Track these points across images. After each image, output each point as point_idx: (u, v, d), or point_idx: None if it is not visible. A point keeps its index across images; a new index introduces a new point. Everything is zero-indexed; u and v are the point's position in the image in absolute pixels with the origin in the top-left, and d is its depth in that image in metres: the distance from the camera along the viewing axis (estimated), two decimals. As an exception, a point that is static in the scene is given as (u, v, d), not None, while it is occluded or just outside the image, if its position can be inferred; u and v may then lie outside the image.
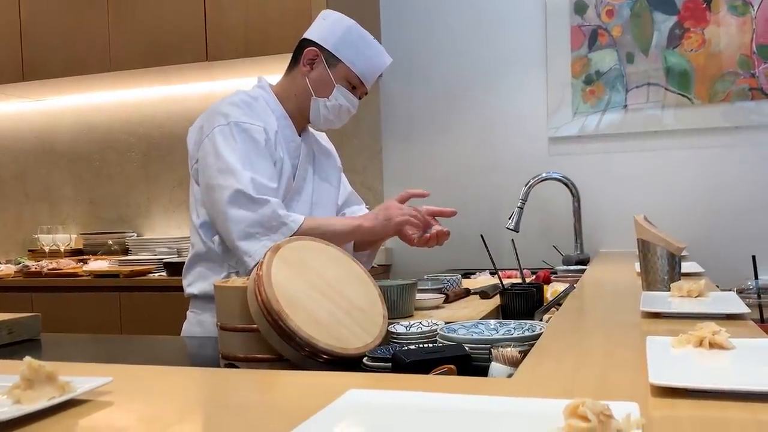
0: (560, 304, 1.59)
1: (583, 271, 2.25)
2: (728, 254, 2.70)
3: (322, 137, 2.03)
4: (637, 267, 2.14)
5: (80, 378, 0.82)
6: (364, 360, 1.19)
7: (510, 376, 0.96)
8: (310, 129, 1.96)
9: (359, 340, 1.24)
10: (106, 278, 3.12)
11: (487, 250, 1.61)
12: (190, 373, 0.96)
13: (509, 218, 2.62)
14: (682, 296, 1.39)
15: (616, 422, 0.60)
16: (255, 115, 1.72)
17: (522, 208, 2.61)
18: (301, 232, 1.61)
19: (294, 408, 0.77)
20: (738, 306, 1.26)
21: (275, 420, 0.72)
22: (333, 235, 1.64)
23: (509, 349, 1.05)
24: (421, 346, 1.18)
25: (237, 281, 1.33)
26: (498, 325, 1.30)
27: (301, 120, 1.84)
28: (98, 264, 3.28)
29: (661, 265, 1.55)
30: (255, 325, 1.21)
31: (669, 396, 0.74)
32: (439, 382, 0.89)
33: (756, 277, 1.51)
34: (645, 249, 1.57)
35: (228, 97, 1.76)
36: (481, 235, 1.68)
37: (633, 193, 2.93)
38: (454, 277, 1.82)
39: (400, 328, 1.35)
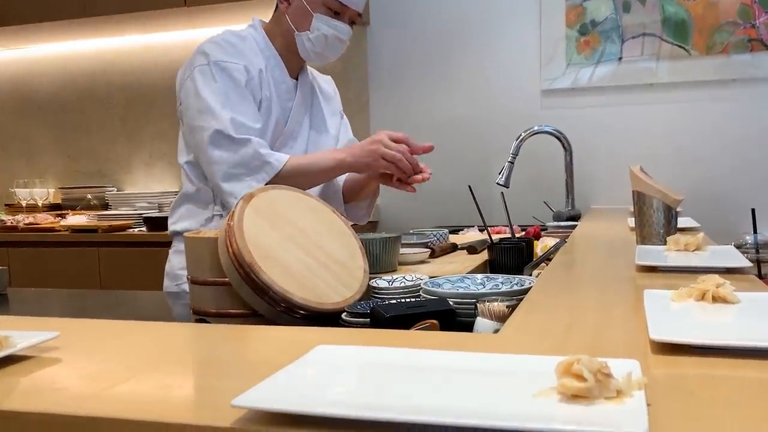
0: (550, 260, 1.53)
1: (574, 227, 2.18)
2: (724, 210, 2.64)
3: (326, 80, 1.95)
4: (631, 222, 2.08)
5: (23, 333, 0.74)
6: (343, 316, 1.12)
7: (497, 331, 0.89)
8: (311, 71, 1.88)
9: (338, 295, 1.17)
10: (85, 233, 3.03)
11: (475, 202, 1.53)
12: (150, 327, 0.89)
13: (499, 173, 2.54)
14: (678, 250, 1.32)
15: (615, 381, 0.53)
16: (237, 53, 1.65)
17: (512, 163, 2.53)
18: (286, 170, 1.58)
19: (259, 364, 0.70)
20: (738, 260, 1.19)
21: (235, 377, 0.65)
22: (318, 171, 1.63)
23: (496, 303, 0.98)
24: (402, 300, 1.11)
25: (208, 233, 1.25)
26: (485, 279, 1.23)
27: (294, 60, 1.76)
28: (76, 219, 3.19)
29: (656, 219, 1.47)
30: (226, 279, 1.14)
31: (670, 353, 0.67)
32: (419, 337, 0.82)
33: (755, 231, 1.44)
34: (640, 201, 1.50)
35: (215, 36, 1.69)
36: (469, 186, 1.60)
37: (627, 148, 2.85)
38: (440, 232, 1.74)
39: (381, 282, 1.28)
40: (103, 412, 0.56)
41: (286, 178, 1.57)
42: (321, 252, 1.21)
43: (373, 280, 1.28)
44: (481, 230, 2.25)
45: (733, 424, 0.50)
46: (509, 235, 1.79)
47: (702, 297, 0.86)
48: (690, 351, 0.68)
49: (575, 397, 0.52)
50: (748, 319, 0.79)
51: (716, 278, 0.86)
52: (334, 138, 1.88)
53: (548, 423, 0.47)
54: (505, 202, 1.65)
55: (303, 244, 1.19)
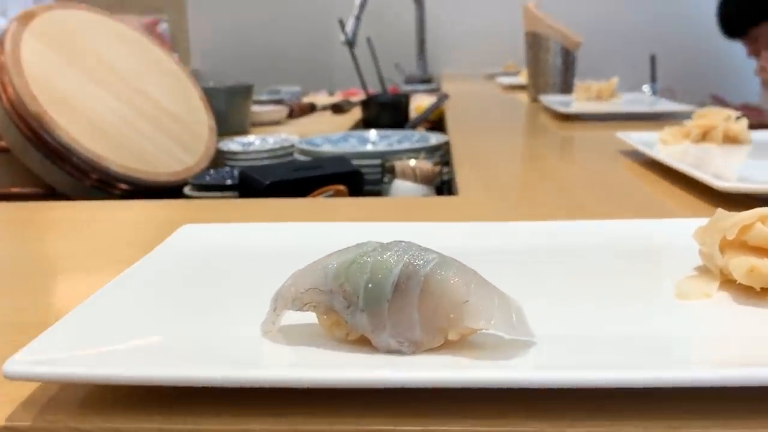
0: (429, 120, 1.27)
1: (432, 90, 1.94)
2: (611, 63, 2.49)
3: None
4: (502, 80, 1.88)
5: None
6: (186, 190, 0.79)
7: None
8: None
9: (175, 161, 0.83)
10: None
11: (344, 32, 1.22)
12: None
13: (343, 31, 2.19)
14: (589, 99, 1.12)
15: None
16: None
17: (359, 18, 2.19)
18: None
19: (78, 269, 0.37)
20: (671, 104, 1.00)
21: (32, 303, 0.31)
22: None
23: (414, 162, 0.70)
24: (280, 163, 0.79)
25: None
26: (378, 137, 0.94)
27: None
28: None
29: (553, 65, 1.25)
30: (2, 142, 0.75)
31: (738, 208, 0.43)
32: (336, 207, 0.52)
33: (653, 80, 1.26)
34: (536, 45, 1.27)
35: None
36: (340, 20, 1.28)
37: (486, 4, 2.60)
38: (293, 90, 1.41)
39: (234, 145, 0.94)
40: None
41: None
42: (146, 101, 0.84)
43: (222, 143, 0.94)
44: (330, 94, 1.92)
45: None
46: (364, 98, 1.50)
47: (703, 137, 0.64)
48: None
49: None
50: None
51: (722, 112, 0.64)
52: None
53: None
54: (372, 48, 1.35)
55: (118, 89, 0.81)
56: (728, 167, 0.55)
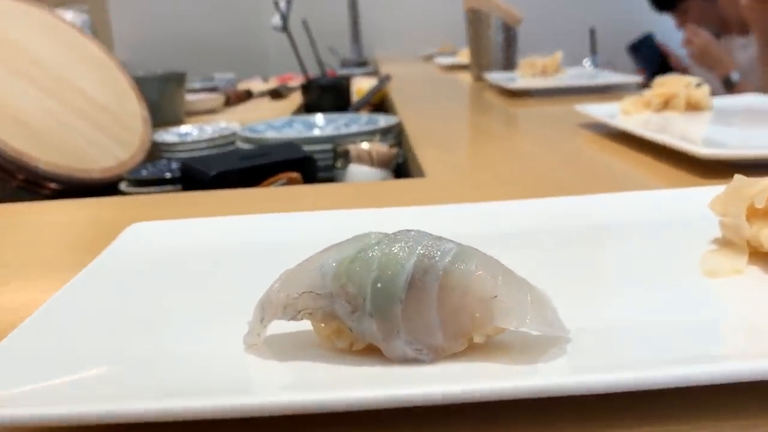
0: (371, 103, 1.24)
1: (371, 72, 1.90)
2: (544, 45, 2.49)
3: None
4: (441, 61, 1.85)
5: None
6: (122, 186, 0.73)
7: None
8: None
9: (107, 156, 0.77)
10: None
11: (282, 15, 1.17)
12: None
13: (277, 9, 2.12)
14: (534, 75, 1.10)
15: None
16: None
17: (289, 2, 2.13)
18: None
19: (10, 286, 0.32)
20: (619, 76, 0.99)
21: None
22: None
23: (368, 145, 0.66)
24: (223, 152, 0.74)
25: None
26: (324, 121, 0.90)
27: None
28: None
29: (495, 42, 1.24)
30: None
31: (723, 178, 0.42)
32: (295, 195, 0.48)
33: (594, 52, 1.26)
34: (476, 21, 1.24)
35: None
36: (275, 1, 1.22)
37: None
38: (227, 77, 1.34)
39: (170, 136, 0.89)
40: None
41: None
42: (73, 92, 0.78)
43: (156, 134, 0.88)
44: (265, 80, 1.86)
45: None
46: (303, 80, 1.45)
47: (664, 105, 0.62)
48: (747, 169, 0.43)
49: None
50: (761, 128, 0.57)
51: (682, 79, 0.63)
52: None
53: None
54: (308, 31, 1.30)
55: (41, 81, 0.75)
56: (696, 134, 0.53)
